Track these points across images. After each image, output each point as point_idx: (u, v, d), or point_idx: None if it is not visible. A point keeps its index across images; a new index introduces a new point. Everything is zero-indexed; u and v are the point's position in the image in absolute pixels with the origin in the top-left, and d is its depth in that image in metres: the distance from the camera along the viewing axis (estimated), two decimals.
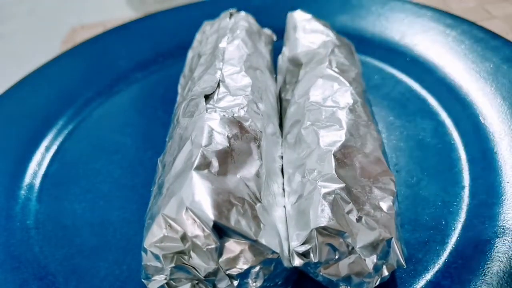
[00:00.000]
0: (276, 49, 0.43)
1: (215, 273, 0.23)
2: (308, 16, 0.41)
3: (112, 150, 0.40)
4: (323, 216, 0.24)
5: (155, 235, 0.23)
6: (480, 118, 0.36)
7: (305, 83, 0.34)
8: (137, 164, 0.38)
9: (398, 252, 0.24)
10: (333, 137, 0.28)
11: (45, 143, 0.41)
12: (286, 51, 0.39)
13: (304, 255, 0.24)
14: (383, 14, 0.48)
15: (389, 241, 0.24)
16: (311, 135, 0.29)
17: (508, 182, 0.31)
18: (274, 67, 0.41)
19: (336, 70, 0.33)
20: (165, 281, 0.24)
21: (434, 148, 0.35)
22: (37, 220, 0.35)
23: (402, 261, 0.24)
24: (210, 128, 0.27)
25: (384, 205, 0.25)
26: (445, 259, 0.28)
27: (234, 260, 0.23)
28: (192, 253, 0.23)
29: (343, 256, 0.24)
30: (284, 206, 0.28)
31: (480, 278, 0.26)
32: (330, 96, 0.31)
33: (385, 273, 0.24)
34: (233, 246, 0.23)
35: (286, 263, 0.24)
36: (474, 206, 0.31)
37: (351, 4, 0.51)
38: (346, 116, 0.29)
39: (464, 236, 0.29)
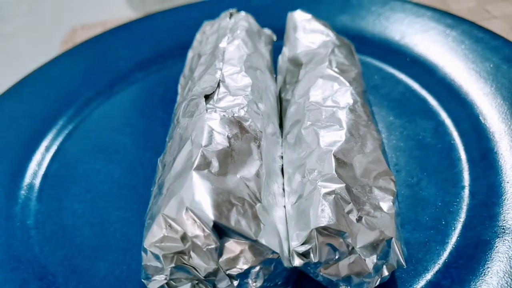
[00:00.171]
0: (276, 49, 0.43)
1: (215, 273, 0.23)
2: (308, 16, 0.41)
3: (112, 150, 0.40)
4: (323, 216, 0.24)
5: (155, 235, 0.23)
6: (480, 118, 0.36)
7: (305, 83, 0.34)
8: (137, 164, 0.38)
9: (398, 252, 0.24)
10: (333, 137, 0.28)
11: (45, 143, 0.41)
12: (286, 51, 0.39)
13: (304, 255, 0.24)
14: (383, 14, 0.48)
15: (389, 241, 0.24)
16: (311, 135, 0.29)
17: (508, 182, 0.31)
18: (274, 67, 0.41)
19: (336, 70, 0.33)
20: (165, 281, 0.24)
21: (434, 148, 0.35)
22: (37, 220, 0.35)
23: (402, 261, 0.24)
24: (210, 128, 0.27)
25: (384, 205, 0.25)
26: (445, 259, 0.28)
27: (234, 260, 0.23)
28: (192, 253, 0.23)
29: (343, 256, 0.24)
30: (284, 206, 0.28)
31: (480, 278, 0.26)
32: (330, 96, 0.31)
33: (385, 273, 0.24)
34: (233, 246, 0.23)
35: (286, 263, 0.24)
36: (474, 206, 0.31)
37: (351, 4, 0.51)
38: (346, 116, 0.29)
39: (464, 236, 0.29)
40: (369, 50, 0.45)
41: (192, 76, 0.36)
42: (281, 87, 0.38)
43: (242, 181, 0.25)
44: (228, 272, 0.23)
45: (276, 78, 0.40)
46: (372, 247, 0.24)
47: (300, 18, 0.40)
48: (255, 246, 0.23)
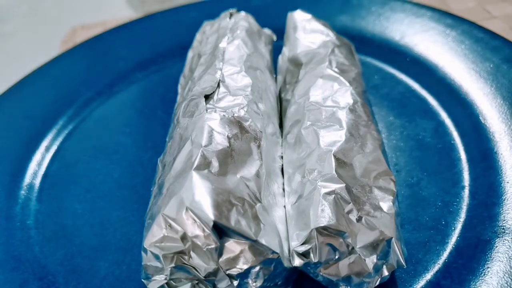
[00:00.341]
0: (276, 49, 0.43)
1: (215, 273, 0.23)
2: (308, 16, 0.41)
3: (112, 150, 0.40)
4: (323, 216, 0.24)
5: (155, 235, 0.23)
6: (480, 118, 0.36)
7: (305, 83, 0.34)
8: (137, 164, 0.38)
9: (398, 252, 0.24)
10: (333, 137, 0.28)
11: (45, 143, 0.41)
12: (286, 51, 0.39)
13: (304, 255, 0.24)
14: (383, 14, 0.48)
15: (389, 241, 0.24)
16: (311, 135, 0.29)
17: (508, 182, 0.31)
18: (274, 67, 0.41)
19: (336, 70, 0.33)
20: (165, 281, 0.24)
21: (434, 148, 0.35)
22: (37, 220, 0.35)
23: (402, 261, 0.24)
24: (210, 128, 0.27)
25: (384, 205, 0.25)
26: (445, 259, 0.28)
27: (234, 260, 0.23)
28: (192, 253, 0.23)
29: (343, 256, 0.24)
30: (284, 206, 0.28)
31: (480, 278, 0.26)
32: (330, 96, 0.31)
33: (385, 273, 0.24)
34: (233, 246, 0.23)
35: (286, 263, 0.24)
36: (474, 206, 0.31)
37: (351, 4, 0.51)
38: (346, 116, 0.29)
39: (464, 236, 0.29)
40: (369, 50, 0.45)
41: (192, 76, 0.36)
42: (281, 87, 0.38)
43: (242, 181, 0.25)
44: (228, 272, 0.23)
45: (276, 78, 0.40)
46: (372, 247, 0.24)
47: (300, 18, 0.40)
48: (255, 246, 0.23)
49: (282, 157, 0.32)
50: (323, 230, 0.24)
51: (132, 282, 0.29)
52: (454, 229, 0.30)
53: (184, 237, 0.23)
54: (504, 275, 0.26)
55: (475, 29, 0.43)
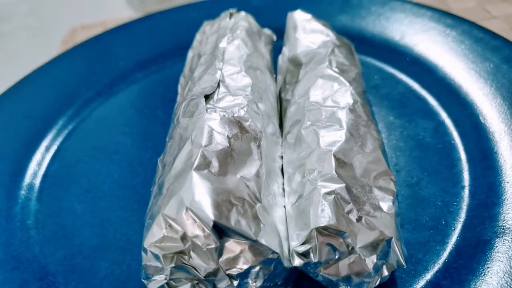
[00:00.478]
0: (276, 49, 0.43)
1: (215, 273, 0.23)
2: (308, 16, 0.41)
3: (112, 150, 0.40)
4: (323, 216, 0.24)
5: (155, 235, 0.23)
6: (480, 118, 0.36)
7: (305, 83, 0.34)
8: (137, 164, 0.38)
9: (398, 252, 0.24)
10: (333, 137, 0.28)
11: (45, 143, 0.41)
12: (286, 51, 0.39)
13: (304, 255, 0.24)
14: (383, 14, 0.48)
15: (389, 241, 0.24)
16: (311, 135, 0.29)
17: (508, 182, 0.31)
18: (274, 67, 0.41)
19: (336, 70, 0.33)
20: (165, 281, 0.24)
21: (434, 148, 0.35)
22: (37, 220, 0.35)
23: (402, 261, 0.24)
24: (210, 128, 0.27)
25: (384, 205, 0.25)
26: (445, 259, 0.28)
27: (234, 260, 0.23)
28: (192, 253, 0.23)
29: (343, 256, 0.24)
30: (284, 206, 0.28)
31: (480, 278, 0.26)
32: (330, 96, 0.31)
33: (385, 273, 0.24)
34: (233, 246, 0.23)
35: (286, 263, 0.24)
36: (474, 206, 0.31)
37: (351, 4, 0.51)
38: (346, 116, 0.29)
39: (464, 236, 0.29)
40: (369, 50, 0.45)
41: (192, 76, 0.36)
42: (281, 87, 0.38)
43: (242, 181, 0.25)
44: (228, 272, 0.23)
45: (276, 78, 0.40)
46: (372, 247, 0.24)
47: (300, 18, 0.40)
48: (255, 246, 0.23)
49: (282, 157, 0.32)
50: (323, 230, 0.24)
51: (132, 282, 0.29)
52: (454, 229, 0.30)
53: (184, 237, 0.23)
54: (504, 275, 0.26)
55: (475, 29, 0.43)
